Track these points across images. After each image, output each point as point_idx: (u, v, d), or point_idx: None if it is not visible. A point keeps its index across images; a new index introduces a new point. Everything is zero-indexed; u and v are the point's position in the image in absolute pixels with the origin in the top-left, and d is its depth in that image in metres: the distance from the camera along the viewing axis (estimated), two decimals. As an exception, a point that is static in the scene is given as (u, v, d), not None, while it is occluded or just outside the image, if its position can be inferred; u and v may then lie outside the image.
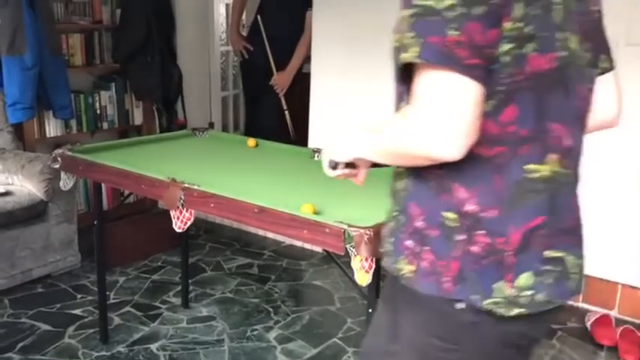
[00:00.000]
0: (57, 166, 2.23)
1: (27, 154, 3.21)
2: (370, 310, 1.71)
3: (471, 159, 0.94)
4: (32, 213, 2.92)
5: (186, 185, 1.81)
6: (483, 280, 0.99)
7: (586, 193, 2.93)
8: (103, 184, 2.75)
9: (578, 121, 1.04)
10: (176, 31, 4.14)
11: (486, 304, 0.99)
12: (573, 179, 1.06)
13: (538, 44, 0.93)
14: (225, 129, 4.80)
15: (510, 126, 0.95)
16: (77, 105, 3.72)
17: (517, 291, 0.99)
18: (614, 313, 2.78)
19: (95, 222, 2.39)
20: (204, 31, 4.54)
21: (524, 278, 0.99)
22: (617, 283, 2.80)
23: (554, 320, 1.23)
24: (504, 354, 1.08)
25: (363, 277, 1.48)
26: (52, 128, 3.64)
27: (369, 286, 1.51)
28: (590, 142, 2.99)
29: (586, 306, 2.88)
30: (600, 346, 2.55)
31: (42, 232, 2.97)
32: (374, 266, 1.47)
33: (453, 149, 0.90)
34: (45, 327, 2.60)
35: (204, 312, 2.79)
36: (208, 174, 2.00)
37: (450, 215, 0.98)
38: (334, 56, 3.40)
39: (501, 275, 0.98)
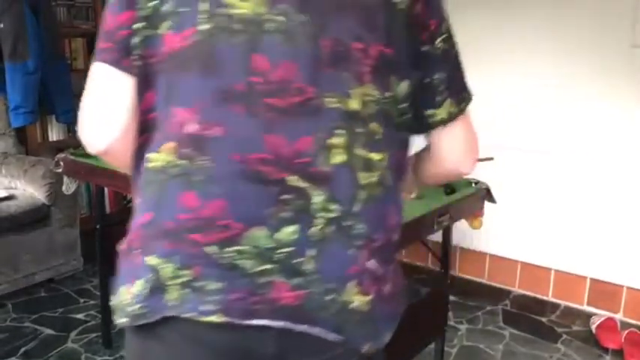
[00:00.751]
0: (59, 170, 2.23)
1: (30, 159, 3.21)
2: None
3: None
4: (35, 217, 2.91)
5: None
6: (118, 280, 0.90)
7: (589, 196, 2.94)
8: (105, 188, 2.74)
9: (230, 101, 0.81)
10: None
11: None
12: (193, 171, 0.82)
13: (174, 22, 0.83)
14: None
15: (150, 113, 0.87)
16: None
17: (132, 297, 0.85)
18: (619, 317, 2.77)
19: (98, 226, 2.38)
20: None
21: (138, 285, 0.84)
22: (621, 286, 2.78)
23: None
24: None
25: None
26: (55, 132, 3.64)
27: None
28: (592, 144, 3.00)
29: (591, 309, 2.86)
30: (605, 350, 2.53)
31: (45, 236, 2.97)
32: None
33: (93, 140, 0.89)
34: (48, 331, 2.60)
35: (207, 316, 2.78)
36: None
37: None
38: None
39: (126, 278, 0.88)
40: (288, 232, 0.80)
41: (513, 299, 3.01)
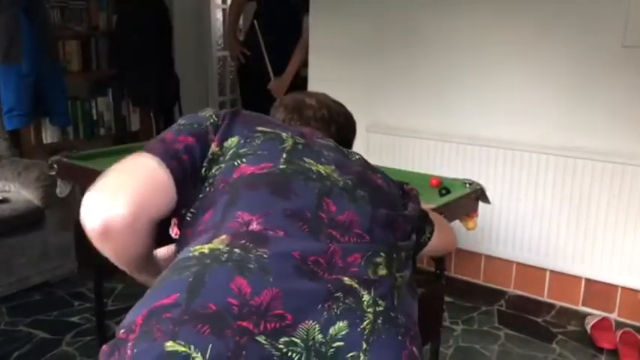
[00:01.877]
0: (53, 172, 2.23)
1: (24, 161, 3.20)
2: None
3: None
4: (29, 220, 2.90)
5: (182, 191, 1.80)
6: None
7: (584, 196, 2.93)
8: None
9: (296, 219, 0.92)
10: (173, 36, 4.14)
11: None
12: (247, 259, 0.83)
13: (251, 159, 0.99)
14: (222, 134, 4.79)
15: (202, 226, 0.94)
16: (74, 111, 3.72)
17: None
18: (614, 317, 2.77)
19: (92, 229, 2.37)
20: (202, 36, 4.54)
21: None
22: (616, 286, 2.79)
23: None
24: None
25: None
26: (49, 135, 3.63)
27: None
28: (586, 144, 3.00)
29: (586, 309, 2.87)
30: (600, 350, 2.54)
31: (39, 240, 2.96)
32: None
33: (92, 210, 0.94)
34: (42, 335, 2.59)
35: (203, 318, 2.77)
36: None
37: None
38: (331, 63, 3.40)
39: None
40: (340, 326, 0.81)
41: (509, 300, 3.01)
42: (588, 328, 2.67)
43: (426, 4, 3.08)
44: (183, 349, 0.72)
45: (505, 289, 3.09)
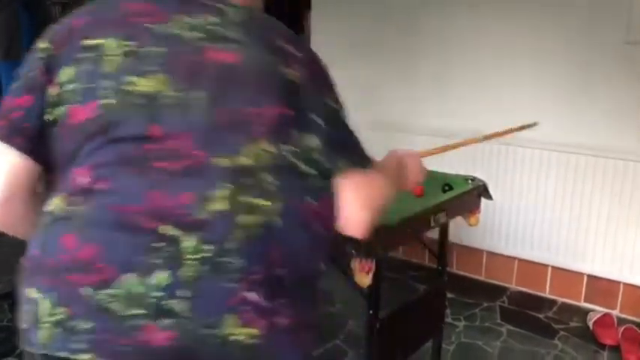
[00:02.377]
0: (55, 169, 2.22)
1: (25, 158, 3.20)
2: (371, 312, 1.70)
3: None
4: (31, 217, 2.91)
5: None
6: None
7: (586, 192, 2.93)
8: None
9: (125, 164, 0.89)
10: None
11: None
12: (75, 216, 0.89)
13: (79, 97, 0.92)
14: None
15: (54, 175, 0.98)
16: (75, 108, 3.72)
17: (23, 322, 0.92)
18: (616, 313, 2.77)
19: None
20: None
21: (24, 314, 0.93)
22: (618, 282, 2.79)
23: None
24: None
25: (363, 278, 1.48)
26: (51, 132, 3.63)
27: (370, 287, 1.51)
28: (588, 140, 2.99)
29: (588, 305, 2.87)
30: (602, 346, 2.54)
31: (41, 236, 2.96)
32: (374, 268, 1.47)
33: None
34: (44, 331, 2.59)
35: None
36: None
37: None
38: (331, 62, 3.39)
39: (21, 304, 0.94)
40: (159, 277, 0.83)
41: (510, 296, 3.01)
42: (590, 324, 2.67)
43: (426, 3, 3.07)
44: (35, 294, 0.88)
45: (507, 285, 3.09)
